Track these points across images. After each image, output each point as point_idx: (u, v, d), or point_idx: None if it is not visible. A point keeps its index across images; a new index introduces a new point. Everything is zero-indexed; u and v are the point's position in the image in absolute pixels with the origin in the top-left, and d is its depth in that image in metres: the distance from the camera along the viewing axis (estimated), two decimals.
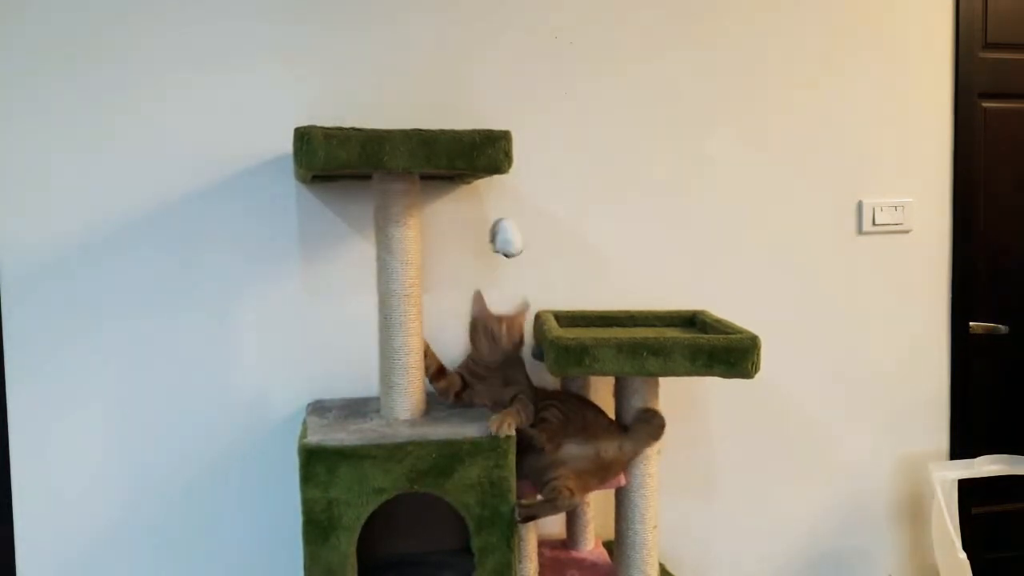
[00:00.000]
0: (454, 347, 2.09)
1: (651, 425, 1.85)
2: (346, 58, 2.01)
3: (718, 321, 1.91)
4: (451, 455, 1.65)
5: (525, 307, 1.92)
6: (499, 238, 1.86)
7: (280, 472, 2.02)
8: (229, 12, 1.94)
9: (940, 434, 2.49)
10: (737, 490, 2.34)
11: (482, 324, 1.88)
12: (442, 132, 1.67)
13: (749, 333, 1.75)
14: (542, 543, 2.12)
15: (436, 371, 1.91)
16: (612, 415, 1.94)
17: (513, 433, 1.70)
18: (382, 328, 1.82)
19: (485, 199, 2.10)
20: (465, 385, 1.90)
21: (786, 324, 2.34)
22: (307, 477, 1.60)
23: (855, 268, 2.38)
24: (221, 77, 1.95)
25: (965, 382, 2.49)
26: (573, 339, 1.72)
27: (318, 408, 1.92)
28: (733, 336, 1.74)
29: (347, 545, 1.63)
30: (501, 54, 2.10)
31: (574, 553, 2.07)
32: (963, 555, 2.21)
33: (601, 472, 1.80)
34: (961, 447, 2.49)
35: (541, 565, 1.97)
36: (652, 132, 2.21)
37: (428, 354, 1.91)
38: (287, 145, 1.98)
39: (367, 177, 1.91)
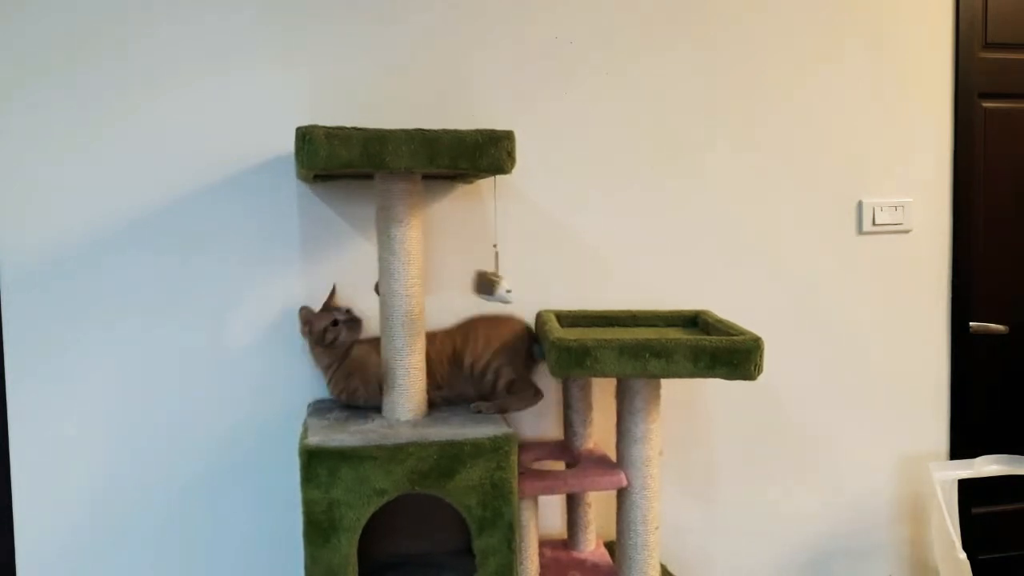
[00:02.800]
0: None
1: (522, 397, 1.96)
2: (348, 57, 2.01)
3: (720, 321, 1.91)
4: (452, 456, 1.65)
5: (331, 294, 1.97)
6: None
7: (280, 473, 2.02)
8: (230, 11, 1.94)
9: (940, 434, 2.49)
10: (738, 491, 2.34)
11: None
12: (444, 132, 1.66)
13: (752, 334, 1.75)
14: (543, 544, 2.12)
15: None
16: (614, 417, 1.94)
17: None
18: (384, 328, 1.81)
19: (487, 199, 2.10)
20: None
21: (786, 324, 2.34)
22: (308, 478, 1.60)
23: (855, 268, 2.38)
24: (223, 77, 1.94)
25: (965, 382, 2.49)
26: (575, 340, 1.72)
27: (319, 408, 1.92)
28: (736, 338, 1.74)
29: (348, 546, 1.62)
30: (502, 54, 2.10)
31: (575, 554, 2.06)
32: (963, 555, 2.22)
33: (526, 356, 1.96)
34: (961, 447, 2.49)
35: (542, 566, 1.97)
36: (652, 131, 2.21)
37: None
38: (288, 145, 1.97)
39: (369, 177, 1.91)
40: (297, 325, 1.97)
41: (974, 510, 2.54)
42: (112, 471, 1.93)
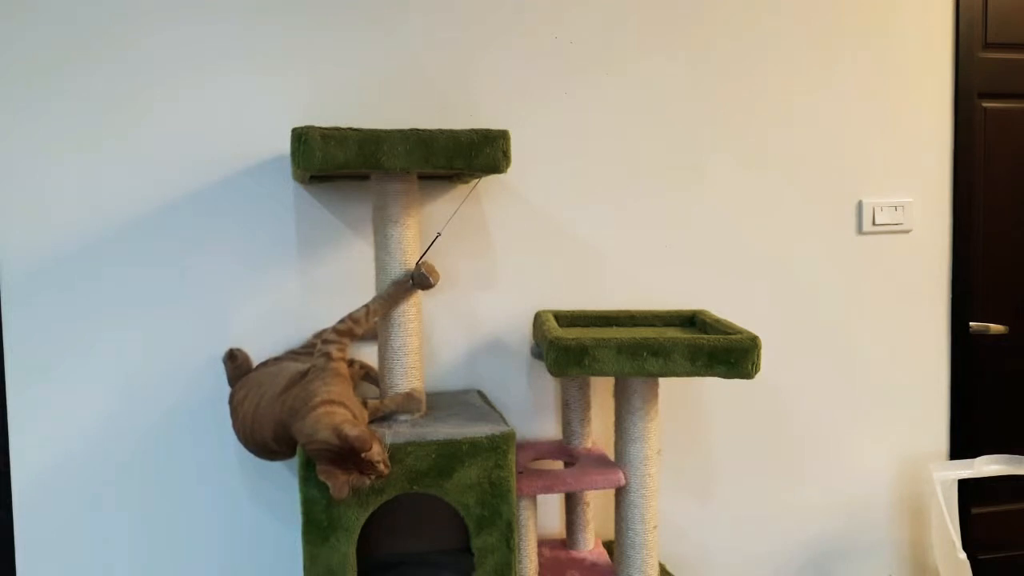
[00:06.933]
0: (451, 347, 2.09)
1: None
2: (344, 58, 2.01)
3: (718, 321, 1.91)
4: (450, 455, 1.65)
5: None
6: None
7: (280, 472, 2.02)
8: (227, 13, 1.94)
9: (940, 434, 2.49)
10: (737, 490, 2.33)
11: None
12: (440, 132, 1.67)
13: (749, 333, 1.75)
14: (542, 543, 2.12)
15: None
16: (612, 415, 1.94)
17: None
18: (381, 329, 1.82)
19: (483, 199, 2.10)
20: None
21: (786, 324, 2.34)
22: (307, 477, 1.60)
23: (855, 268, 2.38)
24: (218, 78, 1.95)
25: (965, 382, 2.49)
26: (573, 339, 1.72)
27: None
28: (733, 336, 1.74)
29: (347, 545, 1.62)
30: (501, 54, 2.10)
31: (574, 553, 2.07)
32: (963, 555, 2.21)
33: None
34: (961, 447, 2.49)
35: (541, 565, 1.97)
36: (651, 131, 2.21)
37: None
38: (285, 146, 1.98)
39: (365, 177, 1.92)
40: (297, 325, 1.99)
41: (974, 510, 2.53)
42: (112, 471, 1.94)
